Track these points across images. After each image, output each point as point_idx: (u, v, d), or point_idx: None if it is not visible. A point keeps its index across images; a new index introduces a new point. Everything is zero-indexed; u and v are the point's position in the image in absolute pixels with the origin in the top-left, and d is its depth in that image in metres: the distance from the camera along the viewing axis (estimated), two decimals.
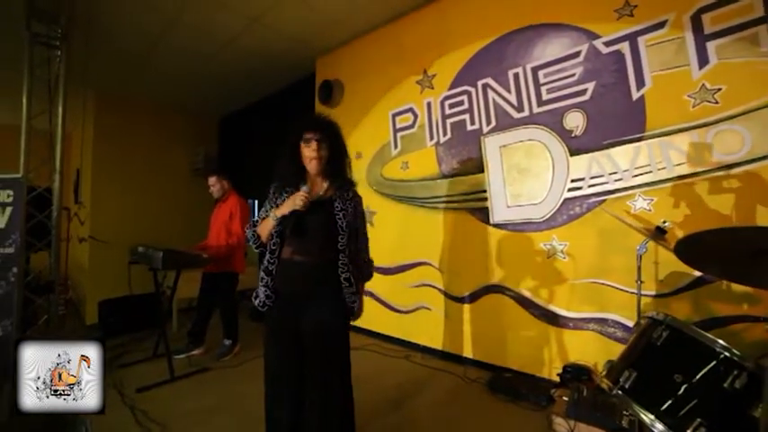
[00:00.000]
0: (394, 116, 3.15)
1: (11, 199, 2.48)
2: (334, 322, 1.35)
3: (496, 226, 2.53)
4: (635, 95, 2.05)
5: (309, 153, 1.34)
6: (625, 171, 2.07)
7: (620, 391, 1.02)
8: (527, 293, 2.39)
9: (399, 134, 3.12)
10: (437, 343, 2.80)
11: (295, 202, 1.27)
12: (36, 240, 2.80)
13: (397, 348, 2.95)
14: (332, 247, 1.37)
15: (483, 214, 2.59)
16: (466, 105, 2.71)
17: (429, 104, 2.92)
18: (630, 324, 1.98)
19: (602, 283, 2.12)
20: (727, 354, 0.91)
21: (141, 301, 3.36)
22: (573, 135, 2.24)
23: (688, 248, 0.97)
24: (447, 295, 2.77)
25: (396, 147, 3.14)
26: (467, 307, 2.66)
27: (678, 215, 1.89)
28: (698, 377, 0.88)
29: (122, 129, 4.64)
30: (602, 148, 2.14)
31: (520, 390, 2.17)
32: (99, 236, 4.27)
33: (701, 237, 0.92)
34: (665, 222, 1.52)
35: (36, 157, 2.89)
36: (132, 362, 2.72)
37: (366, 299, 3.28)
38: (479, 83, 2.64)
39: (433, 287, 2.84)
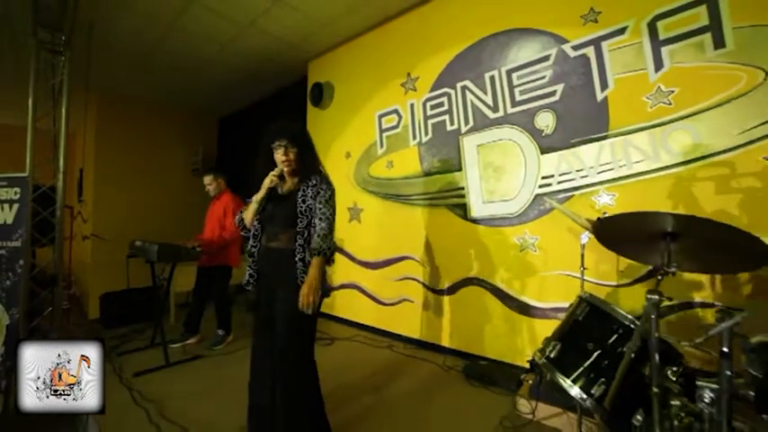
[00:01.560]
0: (380, 117, 3.30)
1: (18, 196, 2.66)
2: (295, 305, 1.44)
3: (473, 221, 2.66)
4: (599, 97, 2.17)
5: (279, 157, 1.55)
6: (590, 168, 2.19)
7: (545, 360, 1.15)
8: (501, 285, 2.51)
9: (385, 134, 3.26)
10: (419, 333, 2.93)
11: (267, 181, 1.52)
12: (41, 236, 2.97)
13: (382, 339, 3.09)
14: (298, 234, 1.52)
15: (461, 210, 2.73)
16: (446, 107, 2.84)
17: (412, 106, 3.06)
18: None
19: (570, 275, 2.25)
20: (628, 323, 1.04)
21: (141, 294, 3.52)
22: (543, 134, 2.37)
23: (604, 231, 1.10)
24: (428, 288, 2.90)
25: (382, 146, 3.28)
26: (446, 299, 2.79)
27: (637, 209, 2.01)
28: (606, 344, 1.01)
29: (124, 129, 4.82)
30: (569, 146, 2.27)
31: (492, 376, 2.30)
32: (101, 233, 4.45)
33: (615, 219, 1.04)
34: (605, 214, 1.65)
35: (41, 156, 3.07)
36: (131, 350, 2.88)
37: (353, 292, 3.44)
38: (458, 85, 2.77)
39: (416, 280, 2.97)
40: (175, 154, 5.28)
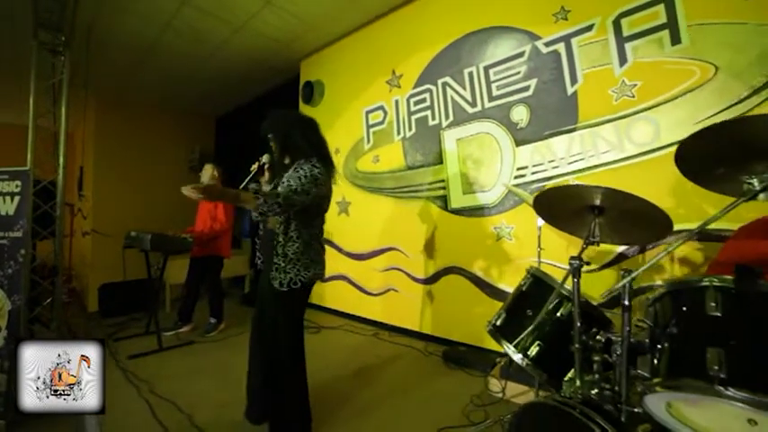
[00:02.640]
0: (367, 113, 3.41)
1: (19, 189, 2.79)
2: (270, 287, 1.54)
3: (453, 212, 2.77)
4: (569, 91, 2.27)
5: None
6: (561, 159, 2.29)
7: (491, 328, 1.26)
8: (480, 273, 2.61)
9: (371, 130, 3.37)
10: (403, 322, 3.03)
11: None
12: (42, 229, 3.10)
13: (368, 328, 3.19)
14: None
15: (442, 202, 2.83)
16: (428, 102, 2.95)
17: (397, 102, 3.17)
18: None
19: (543, 262, 2.34)
20: (563, 292, 1.14)
21: (137, 285, 3.65)
22: (518, 127, 2.47)
23: (541, 205, 1.20)
24: (412, 278, 3.01)
25: (368, 142, 3.40)
26: (429, 288, 2.89)
27: None
28: (542, 311, 1.11)
29: (123, 128, 4.98)
30: (542, 138, 2.37)
31: (470, 360, 2.40)
32: (100, 229, 4.59)
33: (549, 193, 1.14)
34: None
35: (41, 153, 3.21)
36: (127, 336, 3.01)
37: (342, 283, 3.54)
38: (439, 81, 2.88)
39: (401, 270, 3.08)
40: (173, 152, 5.42)
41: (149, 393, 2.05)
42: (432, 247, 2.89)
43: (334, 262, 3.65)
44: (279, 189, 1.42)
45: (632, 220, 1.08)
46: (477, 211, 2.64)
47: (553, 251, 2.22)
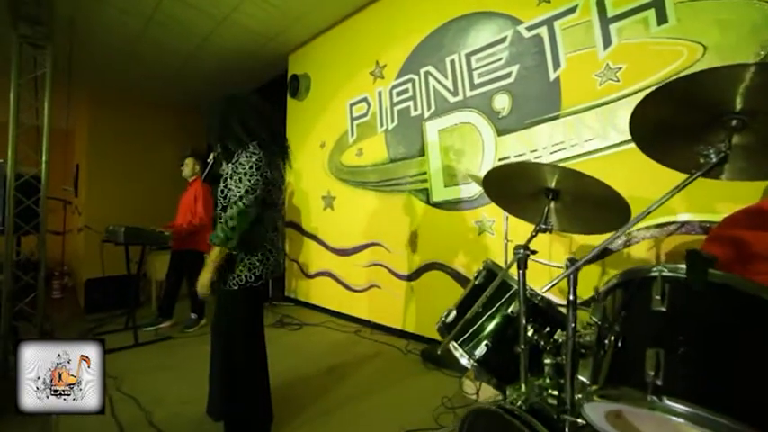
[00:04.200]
0: (351, 106, 3.32)
1: None
2: (221, 288, 1.48)
3: (435, 206, 2.67)
4: (552, 76, 2.15)
5: None
6: (544, 148, 2.18)
7: (441, 325, 1.17)
8: (461, 270, 2.51)
9: (355, 122, 3.29)
10: (385, 319, 2.94)
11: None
12: (24, 224, 3.10)
13: (350, 325, 3.11)
14: (218, 217, 1.49)
15: (424, 195, 2.73)
16: (410, 93, 2.85)
17: (380, 93, 3.08)
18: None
19: (537, 261, 2.23)
20: (515, 287, 1.04)
21: (122, 281, 3.62)
22: (500, 116, 2.36)
23: (490, 184, 1.10)
24: (394, 273, 2.92)
25: (352, 135, 3.31)
26: (410, 284, 2.80)
27: None
28: (492, 307, 1.01)
29: (117, 124, 4.98)
30: (524, 127, 2.25)
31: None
32: (93, 225, 4.59)
33: (499, 170, 1.03)
34: None
35: (27, 148, 3.22)
36: (105, 332, 2.98)
37: (327, 279, 3.47)
38: (422, 71, 2.78)
39: (383, 266, 2.99)
40: (168, 148, 5.40)
41: (114, 390, 1.99)
42: (414, 243, 2.79)
43: (319, 258, 3.58)
44: (228, 211, 1.37)
45: (590, 205, 0.97)
46: (458, 205, 2.54)
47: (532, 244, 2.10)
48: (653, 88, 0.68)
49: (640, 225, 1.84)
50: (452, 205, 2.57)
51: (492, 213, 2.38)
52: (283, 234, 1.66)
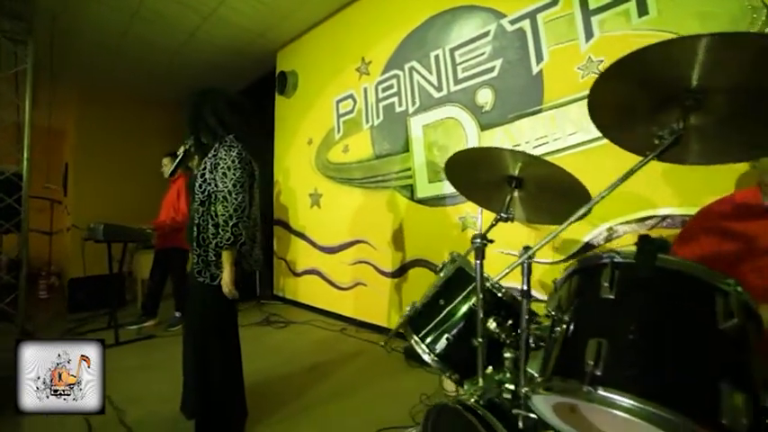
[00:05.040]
0: (338, 102, 3.29)
1: None
2: (196, 283, 1.46)
3: (419, 202, 2.64)
4: (534, 70, 2.13)
5: None
6: (527, 143, 2.15)
7: (404, 320, 1.14)
8: None
9: (342, 119, 3.25)
10: (371, 317, 2.91)
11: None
12: (4, 221, 3.06)
13: (336, 323, 3.08)
14: (195, 212, 1.48)
15: (408, 191, 2.70)
16: (395, 89, 2.82)
17: (366, 90, 3.05)
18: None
19: (509, 253, 2.20)
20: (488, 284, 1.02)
21: (105, 280, 3.57)
22: (483, 111, 2.33)
23: (452, 171, 1.07)
24: (379, 271, 2.88)
25: (339, 131, 3.28)
26: (395, 281, 2.77)
27: None
28: (455, 301, 0.99)
29: (105, 122, 4.93)
30: (507, 121, 2.23)
31: None
32: (83, 224, 4.54)
33: (462, 154, 1.00)
34: None
35: (8, 145, 3.18)
36: (86, 331, 2.94)
37: (314, 278, 3.44)
38: (406, 66, 2.75)
39: (368, 264, 2.96)
40: (155, 145, 5.33)
41: None
42: (399, 239, 2.76)
43: (307, 256, 3.55)
44: (219, 209, 1.39)
45: (554, 195, 0.94)
46: (442, 201, 2.51)
47: (511, 239, 2.08)
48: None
49: (621, 219, 1.82)
50: (436, 201, 2.54)
51: (475, 209, 2.34)
52: (261, 229, 1.64)
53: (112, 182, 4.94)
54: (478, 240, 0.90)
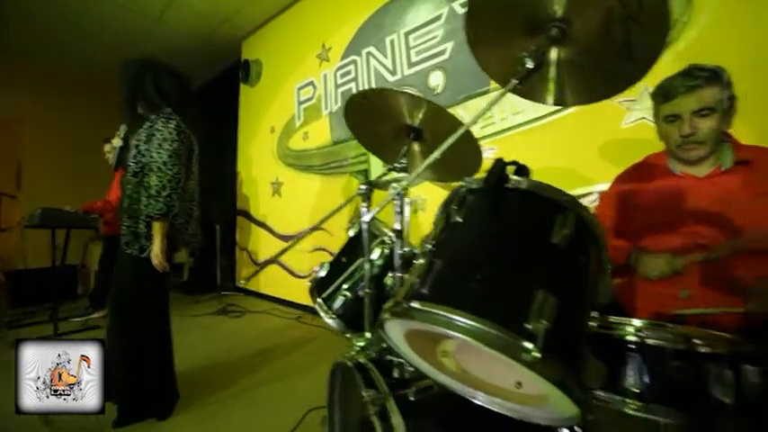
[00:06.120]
0: (299, 90, 3.25)
1: None
2: (126, 257, 1.41)
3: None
4: None
5: None
6: (476, 124, 2.15)
7: (311, 283, 1.11)
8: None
9: (302, 106, 3.21)
10: None
11: None
12: None
13: (294, 312, 3.01)
14: (127, 183, 1.43)
15: (363, 176, 2.68)
16: (353, 74, 2.81)
17: (325, 76, 3.02)
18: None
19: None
20: (384, 238, 1.01)
21: (48, 272, 3.40)
22: (435, 93, 2.33)
23: (353, 115, 1.04)
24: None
25: (299, 119, 3.24)
26: None
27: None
28: (356, 258, 0.96)
29: (63, 111, 4.74)
30: (457, 103, 2.23)
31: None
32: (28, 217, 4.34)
33: (358, 99, 0.97)
34: None
35: None
36: (24, 324, 2.79)
37: (274, 267, 3.36)
38: (364, 51, 2.74)
39: (325, 251, 2.91)
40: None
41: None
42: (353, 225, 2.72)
43: (267, 246, 3.47)
44: (153, 180, 1.34)
45: (448, 150, 0.92)
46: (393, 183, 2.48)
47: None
48: None
49: None
50: (389, 185, 2.51)
51: (424, 191, 2.34)
52: (199, 204, 1.59)
53: (70, 171, 4.73)
54: (364, 187, 0.88)
